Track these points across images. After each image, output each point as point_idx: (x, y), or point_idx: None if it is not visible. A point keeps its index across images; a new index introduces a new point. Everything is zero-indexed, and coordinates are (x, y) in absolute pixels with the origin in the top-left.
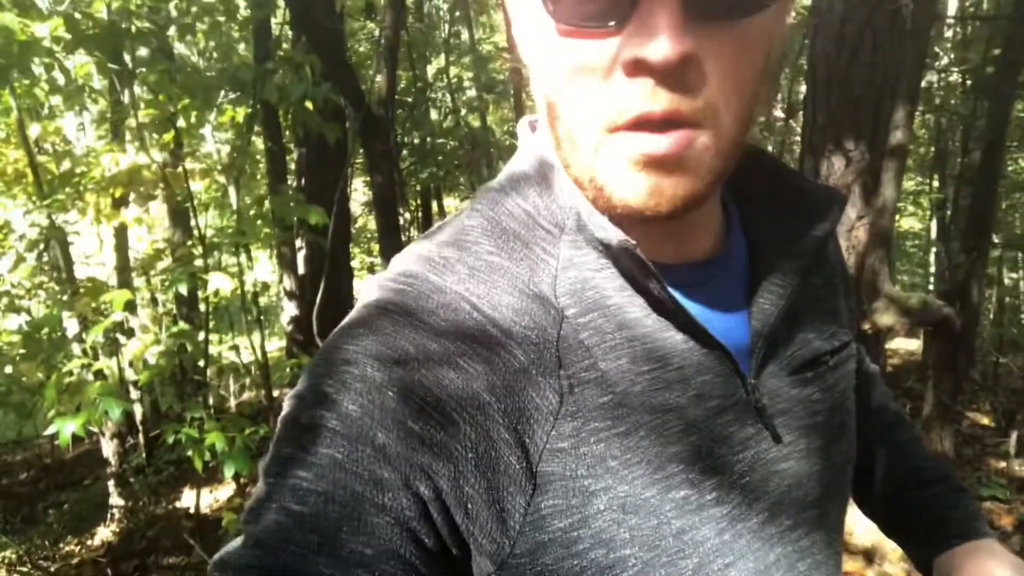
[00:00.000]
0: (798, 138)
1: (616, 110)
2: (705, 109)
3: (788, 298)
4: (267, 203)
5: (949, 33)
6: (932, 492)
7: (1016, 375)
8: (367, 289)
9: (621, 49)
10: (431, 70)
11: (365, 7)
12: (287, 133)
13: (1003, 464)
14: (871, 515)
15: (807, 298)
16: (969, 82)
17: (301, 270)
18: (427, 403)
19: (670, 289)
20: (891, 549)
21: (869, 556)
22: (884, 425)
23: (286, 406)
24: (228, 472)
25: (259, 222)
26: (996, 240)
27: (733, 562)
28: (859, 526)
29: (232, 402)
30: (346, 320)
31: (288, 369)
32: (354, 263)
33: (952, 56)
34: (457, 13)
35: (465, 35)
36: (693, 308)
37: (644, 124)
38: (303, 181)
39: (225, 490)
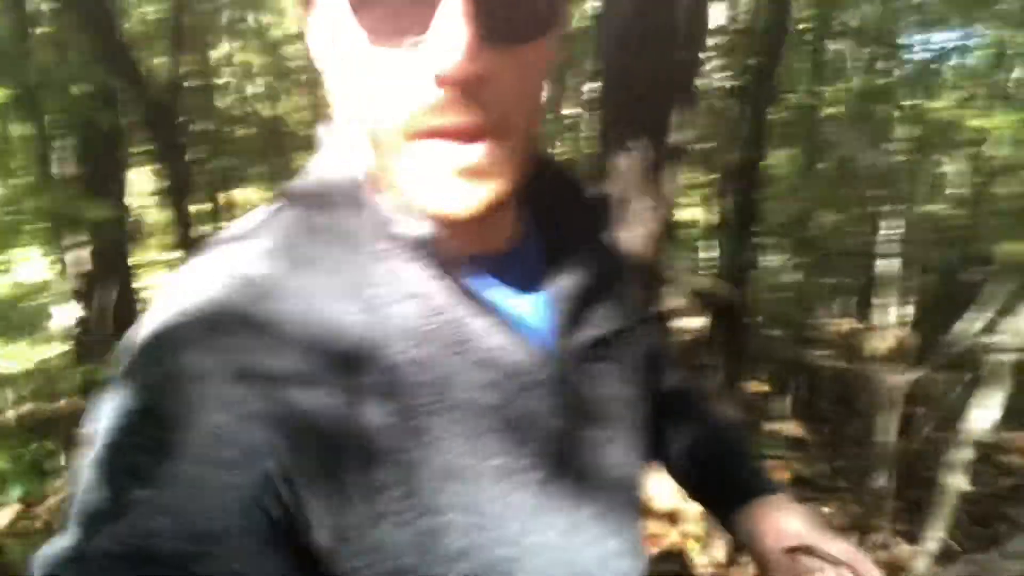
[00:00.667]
0: (590, 133)
1: (419, 119)
2: (500, 122)
3: (580, 285)
4: (36, 195)
5: (717, 40)
6: (727, 456)
7: (786, 347)
8: (177, 285)
9: (425, 63)
10: (218, 55)
11: None
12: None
13: (778, 426)
14: (676, 479)
15: (596, 285)
16: (735, 86)
17: (83, 268)
18: (263, 384)
19: (477, 277)
20: (690, 510)
21: (672, 518)
22: (681, 397)
23: (114, 405)
24: (14, 493)
25: (26, 215)
26: (763, 227)
27: (550, 522)
28: (660, 493)
29: (10, 414)
30: (163, 315)
31: (80, 376)
32: (141, 258)
33: (720, 62)
34: None
35: (252, 19)
36: (498, 294)
37: (448, 134)
38: (77, 171)
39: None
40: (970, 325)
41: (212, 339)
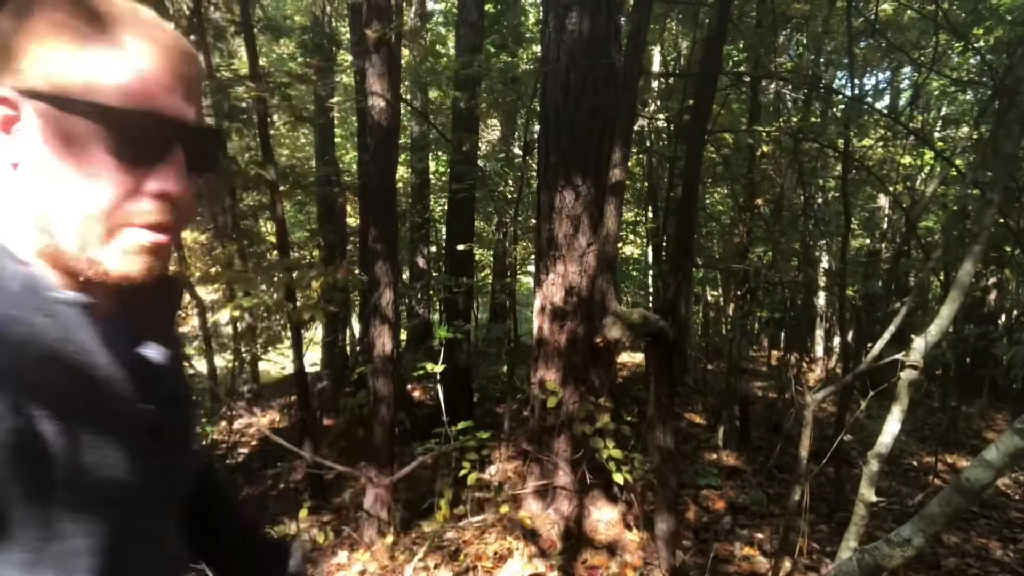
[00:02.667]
0: (534, 174)
1: (136, 215)
2: (178, 220)
3: (164, 352)
4: None
5: (655, 84)
6: (256, 544)
7: (721, 379)
8: None
9: (150, 182)
10: None
11: None
12: None
13: (714, 456)
14: (211, 565)
15: (173, 355)
16: (671, 127)
17: None
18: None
19: (113, 338)
20: (630, 541)
21: (611, 549)
22: (218, 485)
23: None
24: None
25: None
26: (700, 262)
27: (152, 530)
28: (601, 523)
29: None
30: None
31: None
32: None
33: (657, 105)
34: (193, 37)
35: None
36: (129, 350)
37: (154, 227)
38: None
39: None
40: (885, 348)
41: None
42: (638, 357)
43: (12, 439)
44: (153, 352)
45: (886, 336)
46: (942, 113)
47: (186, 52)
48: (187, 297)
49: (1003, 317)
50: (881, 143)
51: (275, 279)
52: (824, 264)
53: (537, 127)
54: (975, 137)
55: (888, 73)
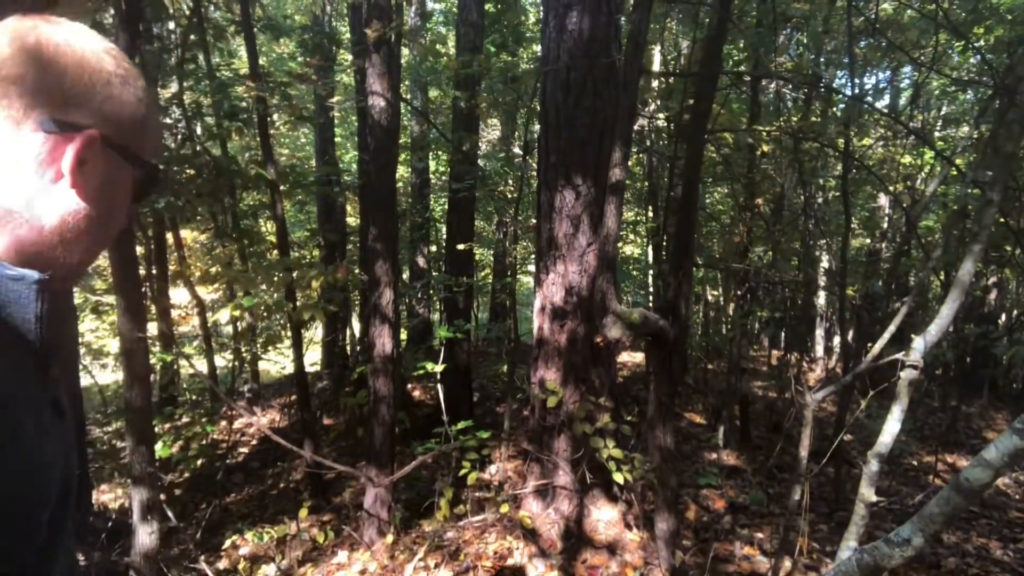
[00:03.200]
0: (534, 174)
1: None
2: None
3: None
4: None
5: (655, 84)
6: None
7: (721, 378)
8: None
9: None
10: (165, 94)
11: (91, 28)
12: None
13: (714, 455)
14: None
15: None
16: (671, 127)
17: None
18: None
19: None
20: (630, 540)
21: (611, 549)
22: None
23: None
24: None
25: None
26: (700, 262)
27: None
28: (601, 523)
29: None
30: None
31: None
32: (75, 301)
33: (657, 104)
34: (193, 37)
35: (202, 60)
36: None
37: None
38: None
39: None
40: (885, 347)
41: None
42: (638, 357)
43: None
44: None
45: (886, 336)
46: (942, 113)
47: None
48: (187, 297)
49: (1003, 317)
50: (881, 143)
51: (275, 279)
52: (824, 264)
53: (537, 127)
54: (975, 137)
55: (888, 73)
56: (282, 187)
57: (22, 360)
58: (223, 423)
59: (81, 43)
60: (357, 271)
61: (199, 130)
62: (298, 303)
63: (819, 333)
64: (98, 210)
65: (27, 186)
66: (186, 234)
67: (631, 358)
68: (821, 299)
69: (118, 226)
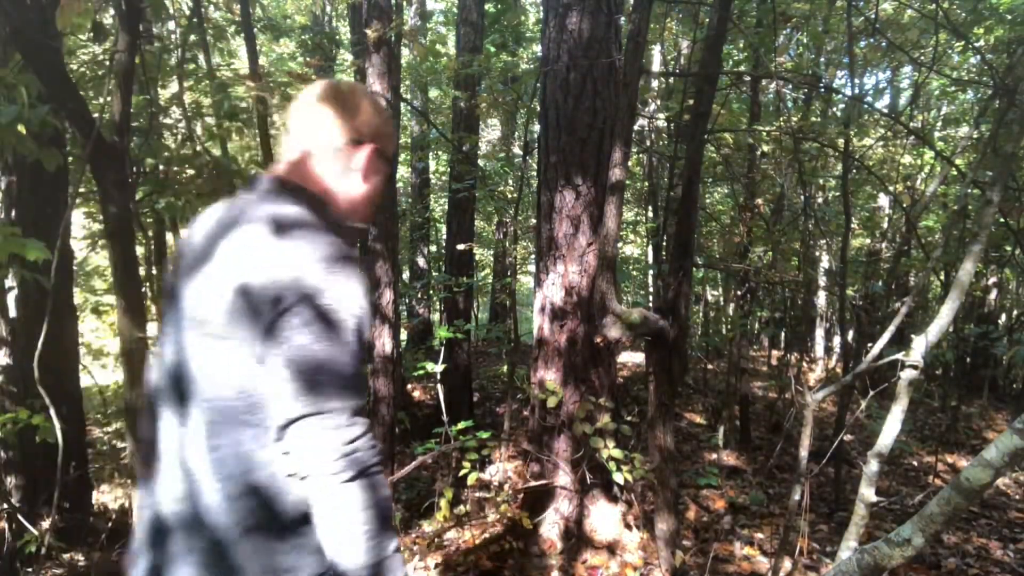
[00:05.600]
0: (534, 174)
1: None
2: None
3: None
4: None
5: (655, 84)
6: None
7: (721, 378)
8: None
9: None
10: (165, 95)
11: (92, 28)
12: None
13: (714, 455)
14: None
15: None
16: (671, 127)
17: (12, 313)
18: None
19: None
20: (630, 541)
21: (611, 549)
22: None
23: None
24: None
25: None
26: (700, 262)
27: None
28: (601, 523)
29: None
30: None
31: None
32: (75, 301)
33: (657, 104)
34: (193, 37)
35: (202, 60)
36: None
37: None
38: (14, 213)
39: None
40: (885, 347)
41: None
42: (638, 357)
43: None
44: None
45: (886, 336)
46: (942, 113)
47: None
48: None
49: (1003, 317)
50: (881, 143)
51: None
52: (824, 264)
53: (537, 127)
54: (975, 137)
55: (888, 73)
56: None
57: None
58: None
59: (361, 91)
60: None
61: (199, 130)
62: None
63: (819, 333)
64: (369, 191)
65: (337, 176)
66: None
67: (631, 358)
68: (821, 299)
69: (377, 200)
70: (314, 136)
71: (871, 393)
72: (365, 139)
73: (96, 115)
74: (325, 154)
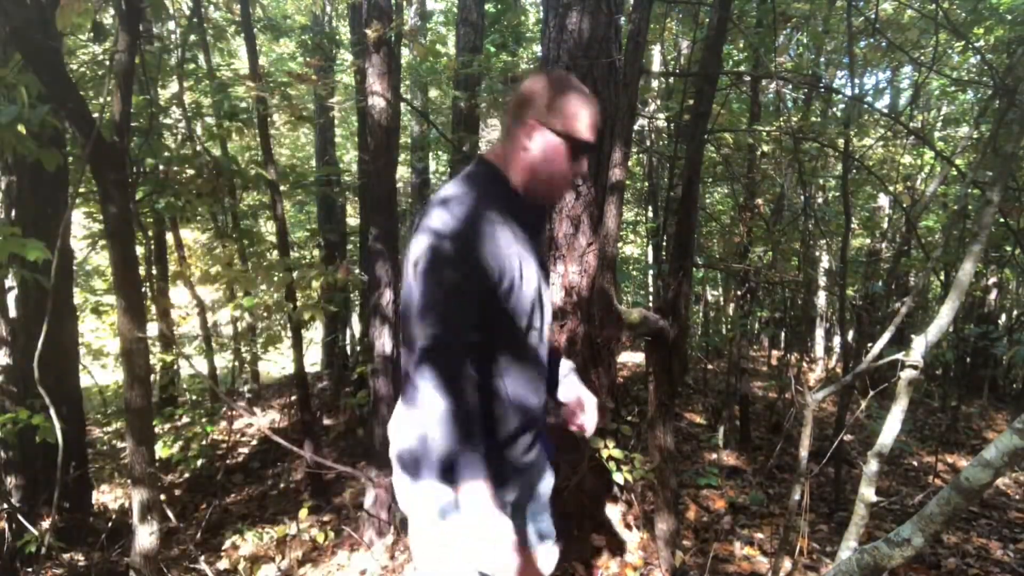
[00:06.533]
0: None
1: (569, 183)
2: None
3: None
4: None
5: (655, 84)
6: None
7: (721, 378)
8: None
9: (577, 169)
10: (165, 95)
11: (92, 28)
12: None
13: (714, 455)
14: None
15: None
16: (671, 127)
17: (12, 313)
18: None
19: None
20: (629, 541)
21: (611, 549)
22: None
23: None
24: None
25: None
26: (700, 262)
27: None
28: (603, 522)
29: None
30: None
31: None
32: (75, 301)
33: (657, 104)
34: (193, 37)
35: (202, 60)
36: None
37: (570, 188)
38: (14, 213)
39: None
40: (885, 348)
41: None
42: (638, 357)
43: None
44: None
45: (886, 336)
46: (942, 113)
47: (595, 109)
48: (187, 297)
49: (1003, 317)
50: (881, 143)
51: (275, 279)
52: (824, 264)
53: None
54: (975, 137)
55: (888, 73)
56: (282, 187)
57: (509, 220)
58: (223, 423)
59: (537, 79)
60: (357, 271)
61: (199, 130)
62: (298, 303)
63: (819, 333)
64: (539, 165)
65: (516, 151)
66: (186, 234)
67: (631, 358)
68: (821, 299)
69: (563, 180)
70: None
71: (871, 393)
72: (530, 120)
73: (96, 115)
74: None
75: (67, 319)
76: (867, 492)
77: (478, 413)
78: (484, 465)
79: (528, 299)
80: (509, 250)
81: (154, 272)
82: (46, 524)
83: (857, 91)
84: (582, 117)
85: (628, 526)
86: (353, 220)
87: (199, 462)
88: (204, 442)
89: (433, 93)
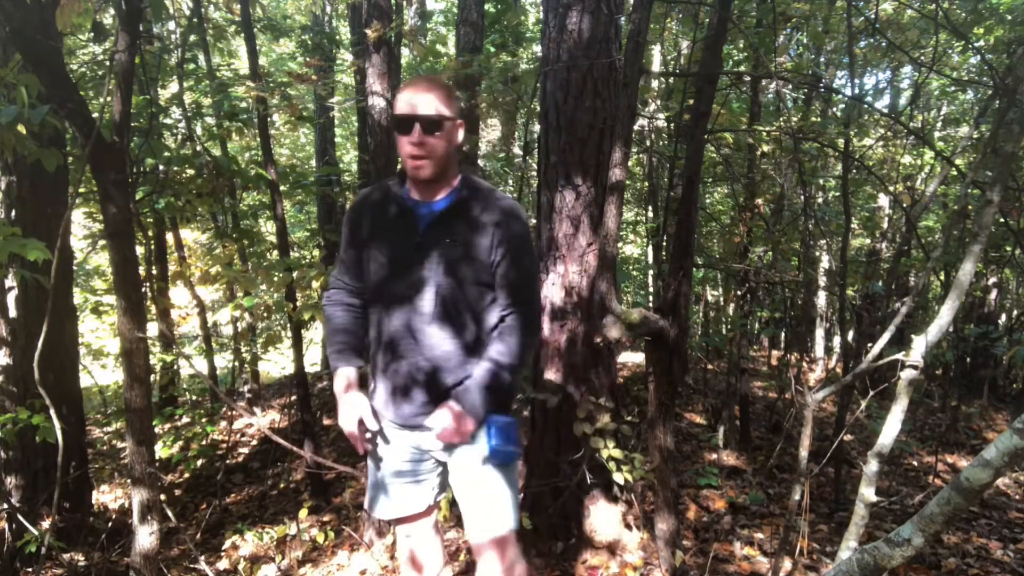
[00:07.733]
0: (534, 174)
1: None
2: (429, 154)
3: (435, 207)
4: None
5: (655, 84)
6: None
7: (721, 378)
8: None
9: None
10: (165, 95)
11: (92, 28)
12: None
13: (714, 455)
14: None
15: (445, 210)
16: (671, 127)
17: (12, 313)
18: None
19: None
20: (630, 541)
21: (611, 549)
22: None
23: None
24: None
25: None
26: (700, 262)
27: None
28: (601, 523)
29: None
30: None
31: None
32: (75, 301)
33: (657, 104)
34: (193, 37)
35: (202, 60)
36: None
37: (413, 156)
38: (14, 213)
39: None
40: (885, 348)
41: None
42: (638, 357)
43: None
44: (426, 207)
45: (886, 336)
46: (942, 113)
47: (415, 90)
48: (187, 297)
49: (1003, 317)
50: (881, 143)
51: (275, 279)
52: (824, 264)
53: (537, 127)
54: (975, 137)
55: (888, 73)
56: (282, 187)
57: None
58: (223, 423)
59: (442, 83)
60: None
61: (199, 130)
62: (298, 303)
63: (819, 333)
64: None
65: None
66: (186, 234)
67: (631, 358)
68: (821, 299)
69: (401, 154)
70: None
71: (871, 393)
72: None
73: (96, 115)
74: None
75: (67, 319)
76: (867, 492)
77: None
78: None
79: None
80: None
81: (154, 272)
82: (46, 524)
83: (857, 91)
84: (398, 98)
85: (628, 526)
86: None
87: (199, 462)
88: (204, 442)
89: None
